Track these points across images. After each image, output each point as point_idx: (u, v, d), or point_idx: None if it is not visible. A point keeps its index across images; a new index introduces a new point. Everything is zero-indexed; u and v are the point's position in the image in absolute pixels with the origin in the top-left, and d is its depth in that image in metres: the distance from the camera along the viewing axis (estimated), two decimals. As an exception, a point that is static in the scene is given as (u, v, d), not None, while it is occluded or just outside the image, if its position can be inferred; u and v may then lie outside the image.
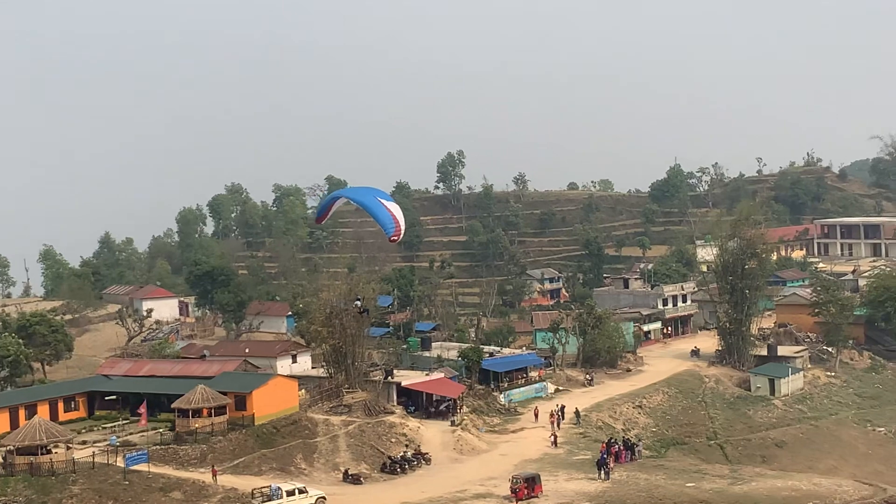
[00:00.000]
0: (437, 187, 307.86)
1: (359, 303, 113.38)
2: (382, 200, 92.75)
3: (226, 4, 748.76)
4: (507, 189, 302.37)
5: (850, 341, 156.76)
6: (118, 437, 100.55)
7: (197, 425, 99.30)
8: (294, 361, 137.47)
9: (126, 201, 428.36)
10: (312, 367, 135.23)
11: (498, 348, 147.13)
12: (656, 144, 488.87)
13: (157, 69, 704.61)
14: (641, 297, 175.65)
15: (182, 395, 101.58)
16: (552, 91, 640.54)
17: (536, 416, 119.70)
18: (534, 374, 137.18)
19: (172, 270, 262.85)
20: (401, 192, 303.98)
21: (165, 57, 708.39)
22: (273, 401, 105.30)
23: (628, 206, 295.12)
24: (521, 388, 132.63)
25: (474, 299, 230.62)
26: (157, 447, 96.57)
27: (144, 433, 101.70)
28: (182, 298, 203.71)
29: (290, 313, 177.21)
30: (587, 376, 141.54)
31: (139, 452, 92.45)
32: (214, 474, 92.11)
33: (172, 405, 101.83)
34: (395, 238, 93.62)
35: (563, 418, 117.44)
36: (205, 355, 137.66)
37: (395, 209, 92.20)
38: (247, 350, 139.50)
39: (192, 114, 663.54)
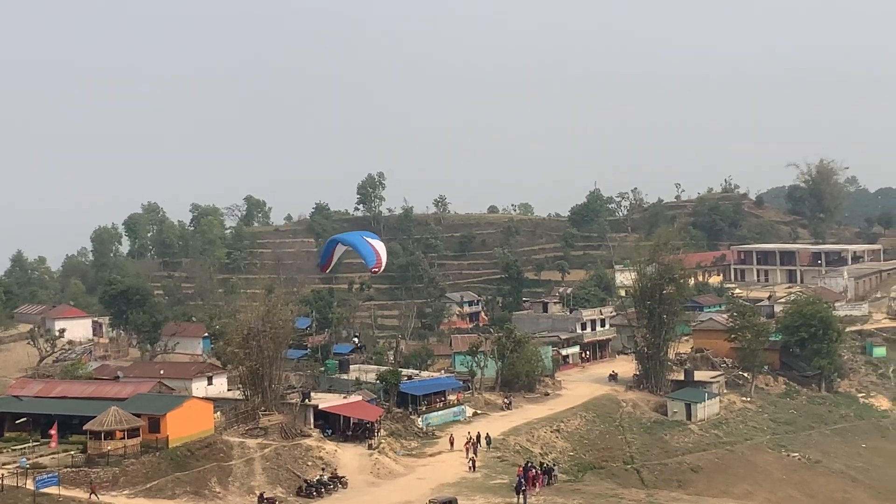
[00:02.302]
0: (356, 209, 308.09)
1: (356, 339, 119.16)
2: (368, 239, 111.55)
3: (143, 28, 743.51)
4: (428, 212, 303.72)
5: (766, 367, 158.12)
6: (28, 459, 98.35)
7: (109, 448, 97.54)
8: (210, 383, 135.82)
9: (39, 218, 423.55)
10: (228, 390, 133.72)
11: (416, 371, 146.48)
12: (576, 169, 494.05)
13: (85, 82, 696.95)
14: (560, 321, 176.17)
15: (94, 416, 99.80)
16: (472, 114, 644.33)
17: (452, 443, 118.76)
18: (452, 397, 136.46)
19: (87, 290, 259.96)
20: (320, 213, 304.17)
21: (87, 74, 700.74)
22: (188, 423, 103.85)
23: (548, 230, 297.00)
24: (440, 412, 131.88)
25: (393, 322, 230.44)
26: (69, 470, 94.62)
27: (55, 455, 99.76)
28: (96, 318, 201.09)
29: (206, 335, 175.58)
30: (505, 400, 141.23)
31: (50, 475, 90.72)
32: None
33: (84, 427, 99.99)
34: (376, 270, 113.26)
35: (479, 445, 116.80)
36: (118, 376, 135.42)
37: (379, 246, 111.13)
38: (161, 371, 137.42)
39: (110, 129, 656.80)
